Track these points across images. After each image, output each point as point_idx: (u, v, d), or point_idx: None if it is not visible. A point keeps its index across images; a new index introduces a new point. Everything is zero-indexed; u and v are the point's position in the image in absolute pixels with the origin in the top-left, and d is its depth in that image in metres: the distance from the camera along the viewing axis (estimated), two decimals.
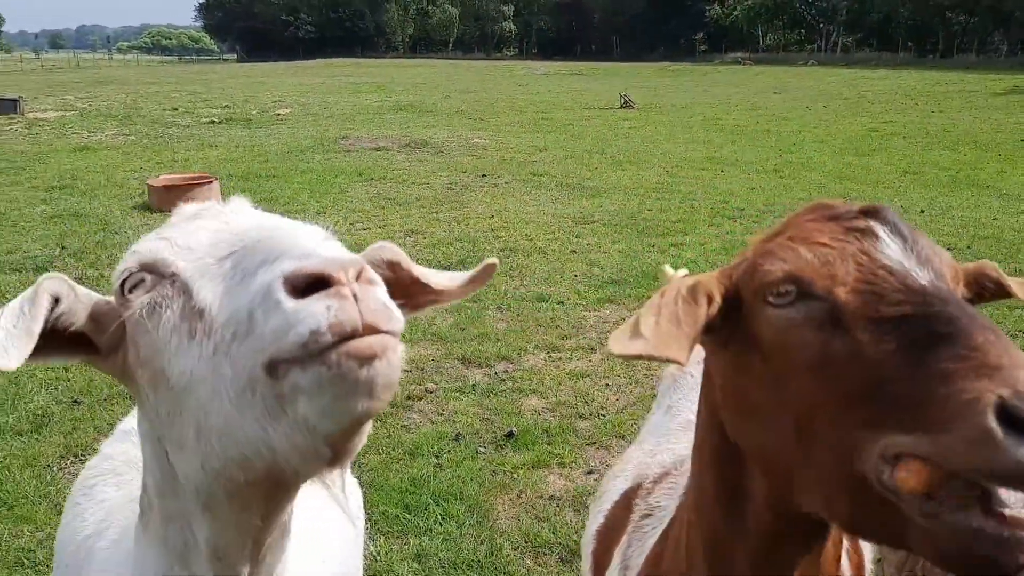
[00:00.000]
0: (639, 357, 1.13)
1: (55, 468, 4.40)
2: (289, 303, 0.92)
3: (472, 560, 3.78)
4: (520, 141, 14.93)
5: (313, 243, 1.05)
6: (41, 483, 4.23)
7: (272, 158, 13.24)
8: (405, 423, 4.93)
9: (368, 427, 1.03)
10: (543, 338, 6.08)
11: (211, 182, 10.16)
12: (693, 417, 1.85)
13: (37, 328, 1.15)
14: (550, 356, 5.81)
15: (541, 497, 4.26)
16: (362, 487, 4.36)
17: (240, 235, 1.11)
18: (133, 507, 1.82)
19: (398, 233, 8.83)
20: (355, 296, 0.92)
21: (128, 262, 1.16)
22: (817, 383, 1.08)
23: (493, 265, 1.39)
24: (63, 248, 8.20)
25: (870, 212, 1.17)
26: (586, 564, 2.02)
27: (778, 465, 1.17)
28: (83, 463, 4.42)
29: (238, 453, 1.09)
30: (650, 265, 7.71)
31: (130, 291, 1.14)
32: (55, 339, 1.21)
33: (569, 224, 9.15)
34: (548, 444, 4.70)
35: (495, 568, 3.73)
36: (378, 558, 3.77)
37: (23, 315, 1.17)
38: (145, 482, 1.39)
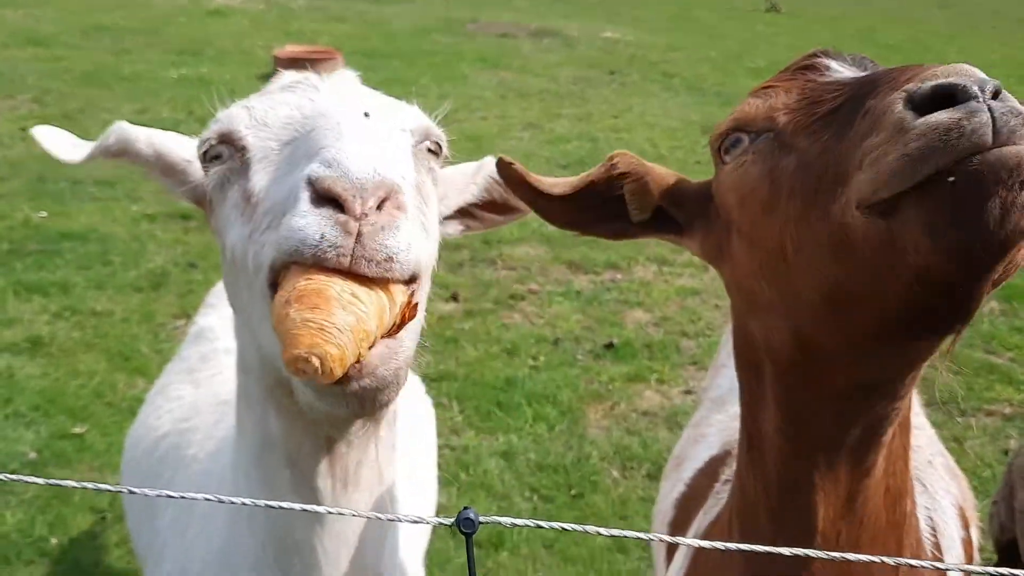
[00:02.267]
0: (515, 177, 1.22)
1: (168, 326, 4.58)
2: (301, 212, 0.93)
3: (559, 464, 3.75)
4: (655, 39, 14.25)
5: (365, 141, 1.00)
6: (155, 339, 4.42)
7: (398, 37, 13.09)
8: (505, 322, 4.88)
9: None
10: (655, 249, 5.87)
11: (334, 57, 10.13)
12: None
13: (86, 148, 1.47)
14: (660, 269, 5.62)
15: (635, 411, 4.17)
16: (457, 380, 4.40)
17: (311, 118, 1.09)
18: (221, 409, 1.79)
19: (518, 126, 8.63)
20: (359, 233, 0.91)
21: (210, 131, 1.18)
22: (771, 209, 1.00)
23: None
24: (190, 113, 8.37)
25: (823, 52, 1.10)
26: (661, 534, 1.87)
27: (777, 328, 1.04)
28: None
29: (264, 352, 1.14)
30: None
31: (210, 160, 1.18)
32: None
33: (695, 132, 8.73)
34: (648, 359, 4.58)
35: (580, 475, 3.70)
36: (468, 450, 3.79)
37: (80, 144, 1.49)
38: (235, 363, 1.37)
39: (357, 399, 0.98)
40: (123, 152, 1.40)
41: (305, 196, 0.94)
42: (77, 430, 3.68)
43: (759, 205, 1.02)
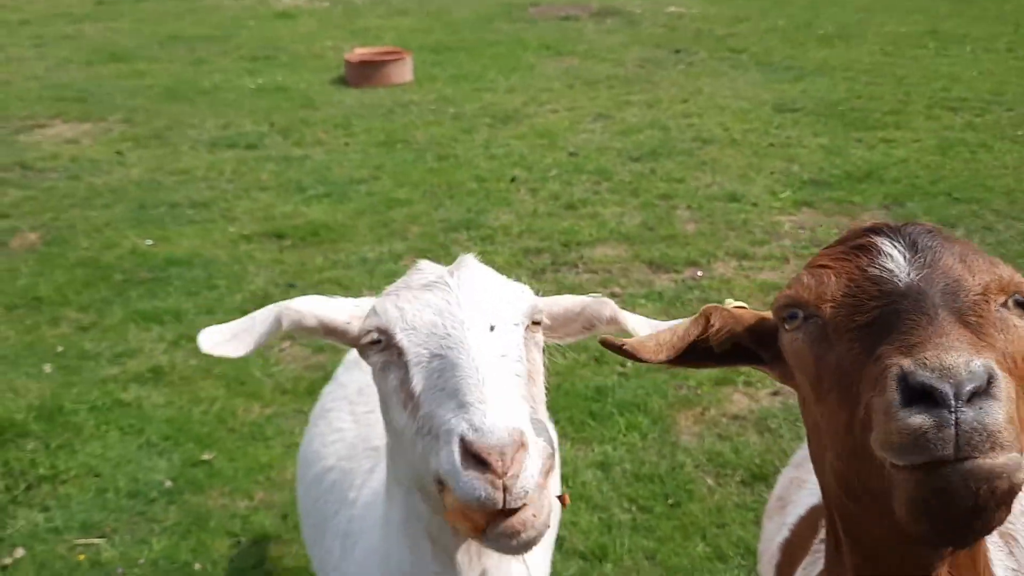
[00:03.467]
0: (619, 350, 1.39)
1: (276, 349, 4.86)
2: (459, 469, 1.30)
3: (654, 474, 3.90)
4: (719, 10, 14.05)
5: (500, 399, 1.35)
6: (265, 363, 4.71)
7: (461, 27, 13.21)
8: None
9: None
10: (734, 243, 5.93)
11: (403, 57, 10.33)
12: None
13: (252, 339, 1.68)
14: (741, 264, 5.68)
15: (724, 415, 4.29)
16: (548, 390, 4.57)
17: (451, 336, 1.43)
18: (374, 457, 2.09)
19: (587, 117, 8.70)
20: (505, 487, 1.28)
21: (370, 323, 1.52)
22: (818, 396, 1.17)
23: None
24: (271, 125, 8.68)
25: (879, 229, 1.21)
26: (769, 574, 2.04)
27: (826, 485, 1.23)
28: (299, 345, 4.86)
29: (418, 472, 1.48)
30: (856, 164, 7.23)
31: (369, 343, 1.53)
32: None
33: (768, 112, 8.67)
34: None
35: (676, 483, 3.84)
36: (566, 463, 3.97)
37: (248, 328, 1.69)
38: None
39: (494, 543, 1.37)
40: (294, 330, 1.68)
41: (457, 451, 1.31)
42: (205, 457, 3.99)
43: (809, 382, 1.20)
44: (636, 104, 9.08)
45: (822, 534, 1.78)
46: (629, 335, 1.66)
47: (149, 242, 6.07)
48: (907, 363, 0.97)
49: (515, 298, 1.56)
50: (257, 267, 5.72)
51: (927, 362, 0.96)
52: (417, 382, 1.42)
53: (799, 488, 2.11)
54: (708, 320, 1.39)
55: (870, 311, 1.10)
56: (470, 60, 11.21)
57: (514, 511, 1.31)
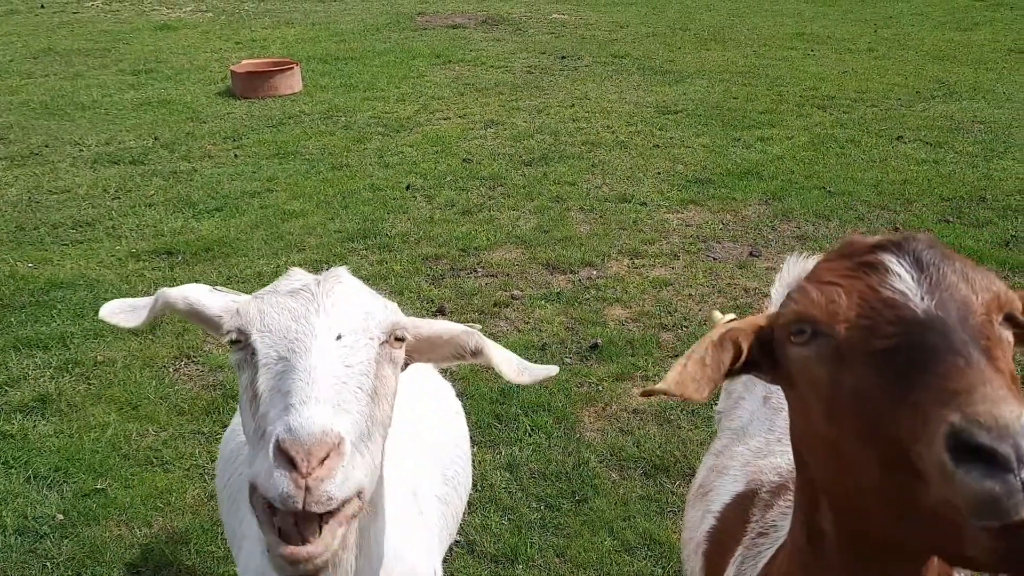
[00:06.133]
0: (663, 394, 1.27)
1: (171, 369, 4.73)
2: (271, 468, 1.31)
3: (560, 472, 3.99)
4: (600, 16, 14.40)
5: (321, 400, 1.37)
6: (160, 384, 4.57)
7: (349, 37, 13.10)
8: (493, 331, 5.09)
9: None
10: (626, 242, 6.11)
11: (292, 68, 10.17)
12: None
13: (140, 316, 1.80)
14: (633, 262, 5.86)
15: (625, 410, 4.41)
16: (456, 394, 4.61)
17: (298, 340, 1.46)
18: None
19: (478, 124, 8.78)
20: (307, 487, 1.29)
21: (233, 323, 1.55)
22: (831, 416, 1.14)
23: (556, 373, 1.83)
24: (155, 139, 8.41)
25: (885, 245, 1.20)
26: (696, 563, 2.10)
27: (836, 494, 1.22)
28: (195, 364, 4.74)
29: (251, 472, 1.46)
30: (735, 162, 7.55)
31: (231, 344, 1.57)
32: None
33: (651, 114, 8.95)
34: (631, 356, 4.82)
35: (582, 480, 3.94)
36: (475, 466, 4.00)
37: (146, 305, 1.81)
38: None
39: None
40: (168, 310, 1.75)
41: (273, 450, 1.32)
42: (99, 486, 3.84)
43: (822, 404, 1.16)
44: (526, 110, 9.21)
45: (756, 528, 1.84)
46: (494, 367, 1.75)
47: (29, 265, 5.79)
48: (957, 419, 0.94)
49: (377, 312, 1.58)
50: (147, 286, 5.53)
51: (981, 420, 0.93)
52: (261, 383, 1.44)
53: (720, 475, 2.17)
54: (738, 345, 1.32)
55: (890, 337, 1.09)
56: (360, 69, 11.13)
57: (306, 541, 1.31)
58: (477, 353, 1.75)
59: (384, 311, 1.59)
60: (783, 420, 2.12)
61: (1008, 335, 1.15)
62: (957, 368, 1.00)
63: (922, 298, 1.11)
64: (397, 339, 1.60)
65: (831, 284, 1.19)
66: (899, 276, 1.15)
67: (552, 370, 1.81)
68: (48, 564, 3.45)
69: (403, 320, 1.64)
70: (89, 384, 4.57)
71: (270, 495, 1.30)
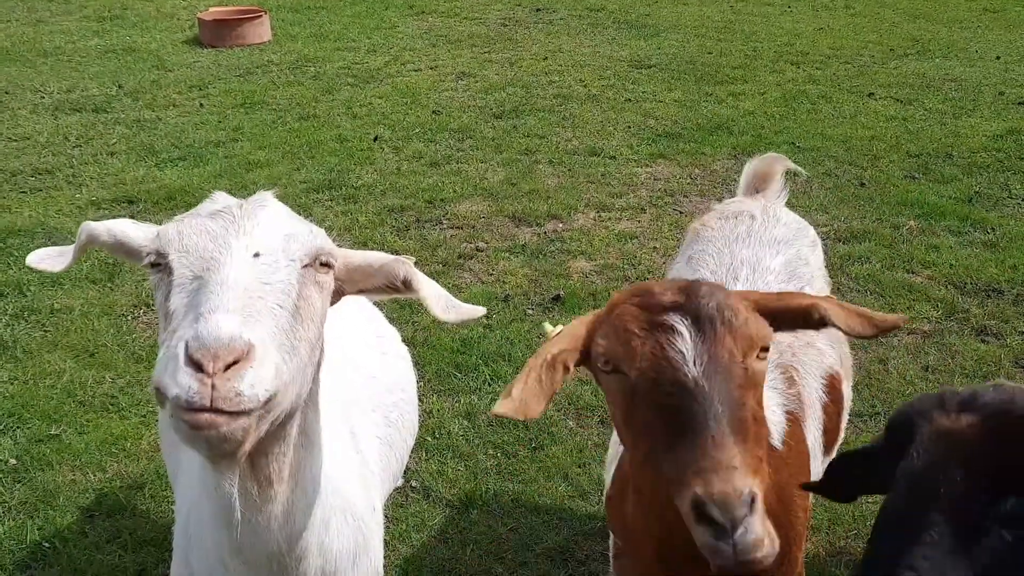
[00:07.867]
0: (509, 415, 1.60)
1: (129, 317, 4.68)
2: (180, 367, 1.30)
3: (518, 420, 4.00)
4: None
5: (231, 310, 1.36)
6: (118, 332, 4.53)
7: None
8: (456, 282, 5.08)
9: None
10: (594, 196, 6.09)
11: (260, 16, 9.97)
12: (713, 270, 2.68)
13: (67, 257, 1.82)
14: (600, 216, 5.84)
15: None
16: (415, 345, 4.60)
17: (214, 259, 1.45)
18: None
19: (449, 76, 8.67)
20: (213, 385, 1.28)
21: (152, 245, 1.53)
22: (627, 425, 1.61)
23: (482, 314, 1.86)
24: (120, 87, 8.24)
25: (676, 307, 1.55)
26: (608, 474, 2.33)
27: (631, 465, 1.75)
28: (154, 312, 4.69)
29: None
30: (706, 117, 7.51)
31: (150, 266, 1.55)
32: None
33: (625, 68, 8.87)
34: (593, 307, 4.79)
35: (539, 428, 3.96)
36: (432, 414, 4.02)
37: (64, 252, 1.84)
38: None
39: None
40: (92, 244, 1.73)
41: (183, 355, 1.31)
42: (53, 431, 3.82)
43: (621, 415, 1.62)
44: (498, 62, 9.10)
45: None
46: (422, 301, 1.75)
47: None
48: (700, 491, 1.36)
49: (301, 235, 1.56)
50: None
51: (714, 497, 1.35)
52: (174, 301, 1.44)
53: None
54: (566, 366, 1.67)
55: (669, 395, 1.48)
56: (330, 19, 10.93)
57: (220, 413, 1.30)
58: (408, 284, 1.74)
59: (309, 235, 1.58)
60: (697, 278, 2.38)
61: (764, 360, 1.58)
62: (706, 447, 1.39)
63: (695, 362, 1.48)
64: (323, 264, 1.59)
65: (631, 333, 1.55)
66: (683, 336, 1.51)
67: (479, 311, 1.82)
68: (0, 508, 3.43)
69: (329, 246, 1.62)
70: (45, 331, 4.52)
71: (172, 393, 1.29)
